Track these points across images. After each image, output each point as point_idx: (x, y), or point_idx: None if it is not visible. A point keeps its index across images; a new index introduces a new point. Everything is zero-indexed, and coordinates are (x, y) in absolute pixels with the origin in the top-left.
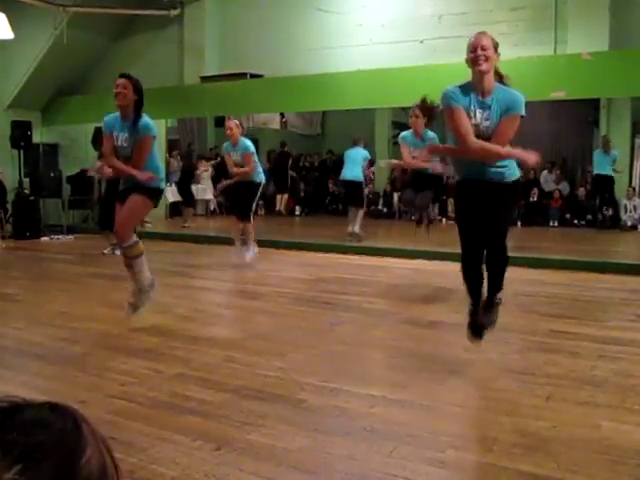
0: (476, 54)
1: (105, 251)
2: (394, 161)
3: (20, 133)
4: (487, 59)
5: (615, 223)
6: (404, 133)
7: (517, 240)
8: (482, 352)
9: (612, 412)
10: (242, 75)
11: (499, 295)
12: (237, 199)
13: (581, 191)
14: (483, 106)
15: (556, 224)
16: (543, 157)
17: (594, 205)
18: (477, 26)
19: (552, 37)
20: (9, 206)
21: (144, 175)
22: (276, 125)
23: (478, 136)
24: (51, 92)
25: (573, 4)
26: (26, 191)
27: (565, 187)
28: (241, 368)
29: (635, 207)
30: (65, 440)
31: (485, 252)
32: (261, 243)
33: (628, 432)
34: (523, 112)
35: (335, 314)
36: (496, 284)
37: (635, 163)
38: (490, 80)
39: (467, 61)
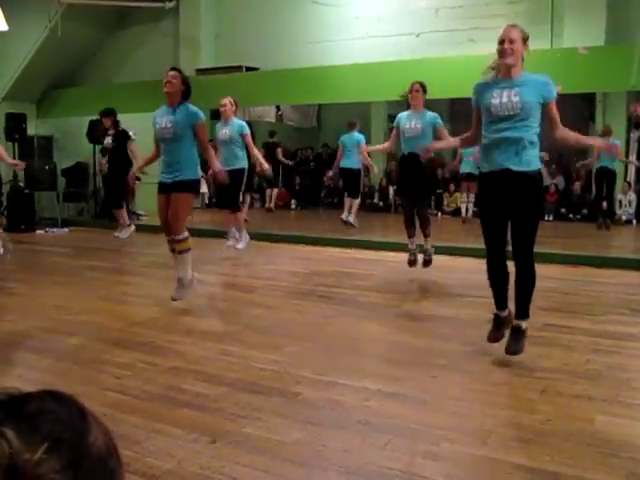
0: (503, 47)
1: (121, 235)
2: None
3: (14, 125)
4: (513, 52)
5: (610, 218)
6: (400, 114)
7: None
8: (477, 345)
9: (606, 406)
10: (238, 68)
11: (525, 324)
12: (225, 191)
13: (577, 185)
14: (509, 85)
15: (551, 218)
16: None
17: (589, 199)
18: (473, 19)
19: (548, 31)
20: (3, 199)
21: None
22: (272, 118)
23: (504, 113)
24: (45, 84)
25: None
26: (21, 184)
27: (561, 181)
28: (236, 361)
29: (630, 202)
30: (74, 425)
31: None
32: (256, 236)
33: (622, 426)
34: (555, 94)
35: (330, 307)
36: (522, 306)
37: (630, 157)
38: (517, 71)
39: (497, 52)
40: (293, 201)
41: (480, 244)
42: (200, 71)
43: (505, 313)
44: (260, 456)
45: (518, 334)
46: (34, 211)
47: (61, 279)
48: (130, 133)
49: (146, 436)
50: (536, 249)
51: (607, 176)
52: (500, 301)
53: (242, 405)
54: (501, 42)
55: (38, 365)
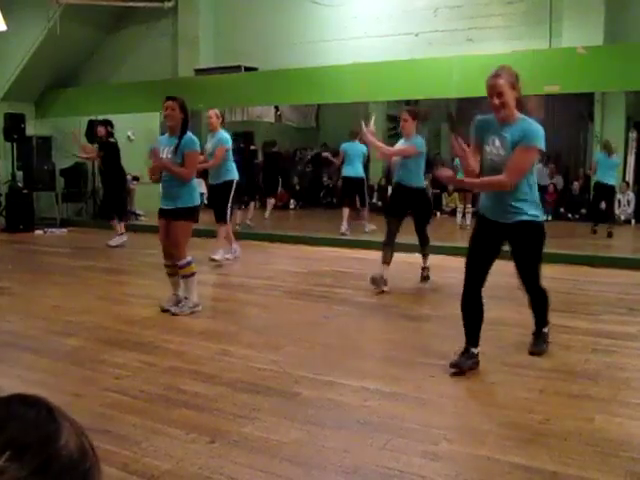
0: (493, 102)
1: (111, 242)
2: (379, 145)
3: (13, 125)
4: (503, 105)
5: (609, 217)
6: (398, 143)
7: None
8: None
9: (605, 405)
10: (237, 68)
11: (545, 329)
12: (213, 202)
13: (575, 185)
14: (502, 132)
15: (550, 218)
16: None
17: (587, 199)
18: (472, 19)
19: (547, 31)
20: (2, 199)
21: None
22: (271, 118)
23: (494, 165)
24: (44, 84)
25: None
26: (19, 184)
27: (559, 181)
28: (235, 361)
29: (629, 202)
30: (41, 427)
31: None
32: (256, 236)
33: (620, 425)
34: (539, 145)
35: (329, 307)
36: (541, 317)
37: (628, 158)
38: (511, 116)
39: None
40: (292, 201)
41: None
42: (199, 71)
43: (476, 350)
44: (259, 456)
45: (540, 337)
46: (33, 211)
47: (60, 279)
48: (129, 133)
49: (145, 436)
50: None
51: (604, 191)
52: (471, 336)
53: (241, 405)
54: (490, 95)
55: (36, 365)
